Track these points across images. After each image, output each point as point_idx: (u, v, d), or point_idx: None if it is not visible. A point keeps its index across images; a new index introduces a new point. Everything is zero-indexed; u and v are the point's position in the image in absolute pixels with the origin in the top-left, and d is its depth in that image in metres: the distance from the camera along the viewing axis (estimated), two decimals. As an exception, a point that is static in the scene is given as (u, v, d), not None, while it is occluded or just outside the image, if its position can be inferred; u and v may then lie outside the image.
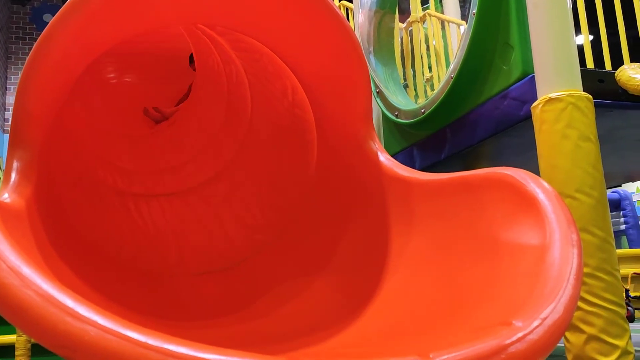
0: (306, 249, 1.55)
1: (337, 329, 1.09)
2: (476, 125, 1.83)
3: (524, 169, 1.03)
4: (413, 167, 2.27)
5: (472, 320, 0.84)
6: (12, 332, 3.38)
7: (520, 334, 0.65)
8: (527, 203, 0.96)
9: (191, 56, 2.43)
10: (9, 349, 3.30)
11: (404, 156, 2.31)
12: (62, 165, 1.80)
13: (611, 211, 7.14)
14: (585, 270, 1.32)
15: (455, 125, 1.94)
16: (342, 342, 1.03)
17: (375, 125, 2.56)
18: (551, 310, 0.70)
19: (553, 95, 1.42)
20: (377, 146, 1.49)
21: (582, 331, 1.31)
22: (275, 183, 1.83)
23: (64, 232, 1.47)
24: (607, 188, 3.34)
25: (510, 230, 0.97)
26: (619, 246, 6.68)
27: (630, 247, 6.40)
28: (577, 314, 1.33)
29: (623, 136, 1.98)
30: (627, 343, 1.30)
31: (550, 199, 0.94)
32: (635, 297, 5.21)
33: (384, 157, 1.46)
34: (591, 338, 1.29)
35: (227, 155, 2.07)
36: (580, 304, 1.32)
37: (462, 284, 0.99)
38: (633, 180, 3.00)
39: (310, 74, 1.61)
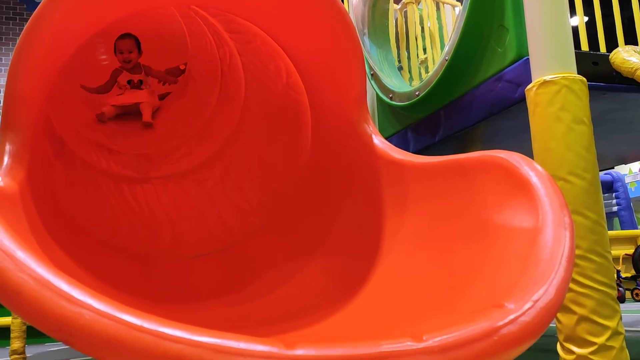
0: (300, 231, 1.56)
1: (331, 311, 1.10)
2: (470, 107, 1.83)
3: (519, 151, 1.03)
4: (407, 149, 2.27)
5: (465, 302, 0.85)
6: (8, 314, 3.39)
7: (512, 316, 0.66)
8: (520, 186, 0.96)
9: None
10: (5, 330, 3.32)
11: (398, 139, 2.31)
12: (55, 148, 1.79)
13: (604, 193, 7.20)
14: (577, 252, 1.33)
15: (449, 108, 1.94)
16: (336, 325, 1.04)
17: (369, 108, 2.55)
18: (543, 292, 0.71)
19: (547, 77, 1.41)
20: (371, 129, 1.49)
21: (573, 312, 1.32)
22: (269, 166, 1.83)
23: (57, 215, 1.47)
24: (600, 170, 3.37)
25: (502, 213, 0.98)
26: (610, 228, 6.75)
27: (622, 229, 6.47)
28: (568, 295, 1.34)
29: (616, 118, 1.98)
30: (617, 324, 1.32)
31: (543, 182, 0.94)
32: (626, 278, 5.28)
33: (378, 140, 1.46)
34: (582, 319, 1.31)
35: (221, 138, 2.06)
36: (571, 285, 1.33)
37: (455, 266, 1.00)
38: (625, 162, 3.02)
39: (303, 56, 1.60)
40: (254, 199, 1.80)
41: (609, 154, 2.65)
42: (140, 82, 2.33)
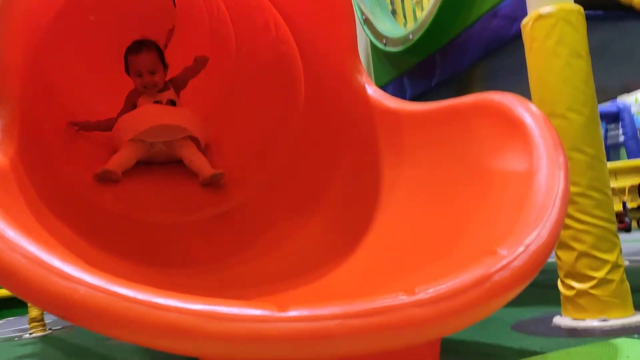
0: (298, 189, 1.56)
1: (329, 268, 1.11)
2: (466, 48, 1.78)
3: (518, 90, 1.01)
4: (404, 96, 2.23)
5: (461, 250, 0.86)
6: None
7: (504, 262, 0.66)
8: (515, 128, 0.95)
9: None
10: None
11: (394, 86, 2.27)
12: (48, 117, 1.77)
13: (609, 123, 7.12)
14: (576, 189, 1.33)
15: (444, 50, 1.89)
16: (334, 280, 1.06)
17: (364, 56, 2.50)
18: (535, 236, 0.71)
19: (543, 11, 1.37)
20: (364, 79, 1.46)
21: (572, 249, 1.33)
22: (264, 125, 1.81)
23: (56, 186, 1.47)
24: (604, 100, 3.29)
25: (499, 158, 0.97)
26: (617, 158, 6.72)
27: (629, 159, 6.44)
28: (568, 232, 1.34)
29: (617, 47, 1.93)
30: (617, 257, 1.32)
31: (538, 123, 0.93)
32: (632, 209, 5.30)
33: (372, 90, 1.44)
34: (582, 255, 1.32)
35: (215, 98, 2.03)
36: (571, 222, 1.33)
37: (452, 215, 1.00)
38: (629, 91, 2.96)
39: (290, 8, 1.55)
40: (251, 160, 1.79)
41: (613, 84, 2.60)
42: (172, 102, 1.77)
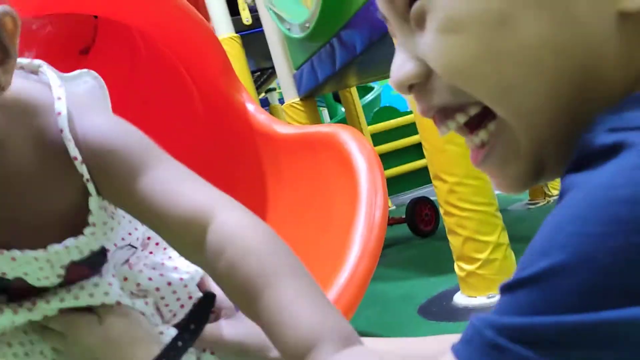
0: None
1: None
2: (354, 36, 1.79)
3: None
4: (317, 79, 2.24)
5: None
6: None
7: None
8: (346, 163, 1.01)
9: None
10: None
11: (307, 68, 2.28)
12: None
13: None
14: (454, 179, 1.40)
15: (338, 37, 1.90)
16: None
17: (277, 39, 2.48)
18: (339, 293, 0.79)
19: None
20: (244, 97, 1.49)
21: (458, 234, 1.42)
22: (166, 134, 1.84)
23: None
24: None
25: (336, 194, 1.03)
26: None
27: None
28: (452, 219, 1.43)
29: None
30: (498, 237, 1.41)
31: (368, 161, 0.99)
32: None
33: (253, 107, 1.48)
34: (467, 239, 1.41)
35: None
36: (454, 210, 1.42)
37: (307, 244, 1.08)
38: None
39: (164, 36, 1.56)
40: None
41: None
42: None
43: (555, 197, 1.88)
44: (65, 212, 0.44)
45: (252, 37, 2.66)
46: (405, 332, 1.40)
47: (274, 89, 5.10)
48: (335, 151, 1.04)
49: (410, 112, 4.40)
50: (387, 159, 3.58)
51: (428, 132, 1.44)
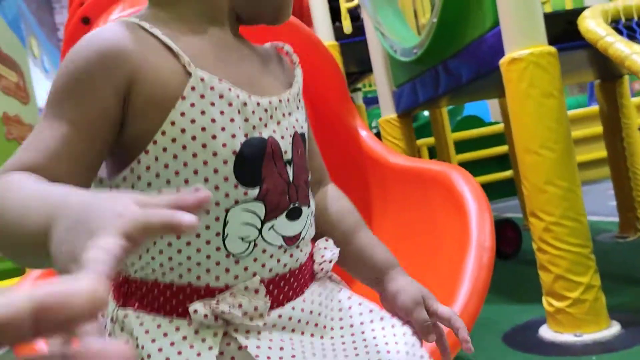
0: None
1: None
2: (461, 67, 1.87)
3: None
4: (417, 100, 2.34)
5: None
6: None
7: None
8: (458, 204, 1.12)
9: None
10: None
11: (409, 88, 2.38)
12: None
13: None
14: (551, 219, 1.46)
15: (445, 66, 1.99)
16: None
17: (381, 58, 2.60)
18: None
19: (515, 54, 1.46)
20: (358, 123, 1.63)
21: (550, 271, 1.48)
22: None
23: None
24: None
25: (444, 229, 1.14)
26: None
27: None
28: (545, 257, 1.49)
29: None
30: (590, 278, 1.46)
31: (478, 203, 1.09)
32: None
33: (365, 133, 1.61)
34: (558, 277, 1.47)
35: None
36: (547, 248, 1.48)
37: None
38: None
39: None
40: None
41: None
42: None
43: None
44: None
45: (347, 44, 2.78)
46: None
47: (359, 89, 5.25)
48: (446, 189, 1.15)
49: (495, 123, 4.38)
50: (469, 169, 3.61)
51: (528, 171, 1.50)
